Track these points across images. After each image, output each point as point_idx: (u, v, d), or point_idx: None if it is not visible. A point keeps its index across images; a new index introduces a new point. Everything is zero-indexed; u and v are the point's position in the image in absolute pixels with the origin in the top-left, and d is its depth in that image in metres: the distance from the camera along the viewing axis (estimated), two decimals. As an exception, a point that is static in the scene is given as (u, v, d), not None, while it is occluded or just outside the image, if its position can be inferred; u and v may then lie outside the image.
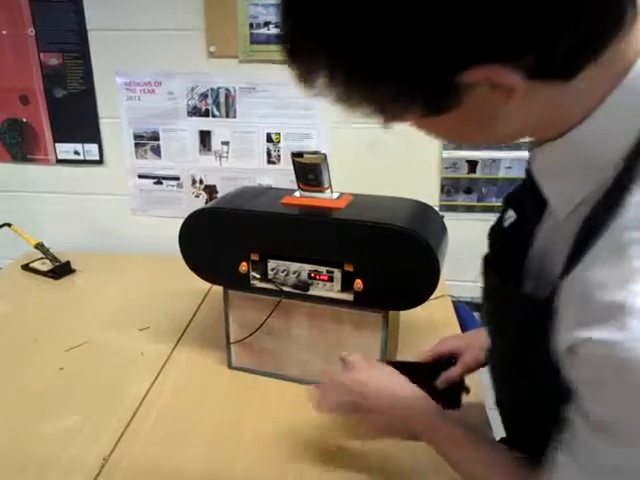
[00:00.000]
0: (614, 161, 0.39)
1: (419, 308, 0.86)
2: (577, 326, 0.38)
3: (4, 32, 1.39)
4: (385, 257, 0.83)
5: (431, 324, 1.14)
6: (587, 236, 0.40)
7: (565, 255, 0.43)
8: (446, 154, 1.38)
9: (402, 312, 1.04)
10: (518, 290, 0.51)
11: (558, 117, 0.41)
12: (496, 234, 0.59)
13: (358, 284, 0.85)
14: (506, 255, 0.55)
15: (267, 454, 0.82)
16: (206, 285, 1.29)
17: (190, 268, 0.97)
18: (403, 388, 0.69)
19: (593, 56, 0.36)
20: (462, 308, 1.28)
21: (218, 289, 1.00)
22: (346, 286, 0.87)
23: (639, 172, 0.38)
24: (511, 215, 0.56)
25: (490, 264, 0.56)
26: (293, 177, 0.92)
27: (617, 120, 0.39)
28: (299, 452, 0.83)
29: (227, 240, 0.91)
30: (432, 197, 1.42)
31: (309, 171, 0.88)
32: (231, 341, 1.00)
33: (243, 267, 0.91)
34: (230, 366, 1.02)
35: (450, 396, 0.80)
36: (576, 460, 0.43)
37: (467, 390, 0.83)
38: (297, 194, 0.93)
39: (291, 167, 0.89)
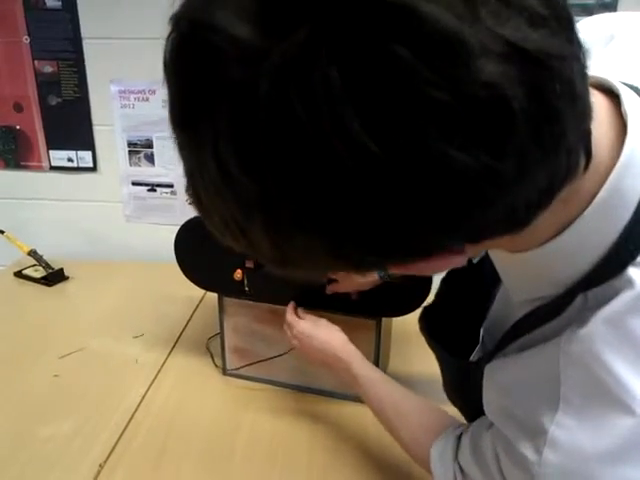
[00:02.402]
0: (560, 282, 0.39)
1: (411, 317, 0.87)
2: (504, 415, 0.43)
3: (-2, 40, 1.39)
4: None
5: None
6: (523, 329, 0.43)
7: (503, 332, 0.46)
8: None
9: (395, 320, 1.06)
10: (446, 353, 0.57)
11: (517, 245, 0.39)
12: (459, 273, 0.60)
13: (354, 291, 0.87)
14: (467, 299, 0.59)
15: (262, 460, 0.83)
16: (200, 292, 1.30)
17: (185, 275, 0.98)
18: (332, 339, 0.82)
19: (542, 209, 0.31)
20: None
21: (212, 296, 1.01)
22: (341, 293, 0.88)
23: (576, 300, 0.38)
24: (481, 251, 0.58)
25: (425, 320, 0.63)
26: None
27: (570, 252, 0.37)
28: (294, 457, 0.84)
29: (222, 248, 0.92)
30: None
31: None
32: (228, 367, 1.01)
33: (238, 274, 0.92)
34: (225, 372, 1.03)
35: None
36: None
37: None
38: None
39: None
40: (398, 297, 0.86)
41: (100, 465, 0.81)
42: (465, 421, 0.61)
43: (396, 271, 0.34)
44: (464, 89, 0.22)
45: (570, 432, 0.37)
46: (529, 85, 0.23)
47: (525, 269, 0.41)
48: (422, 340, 1.04)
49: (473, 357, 0.56)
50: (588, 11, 1.26)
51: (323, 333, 0.82)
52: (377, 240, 0.27)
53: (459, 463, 0.54)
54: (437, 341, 0.59)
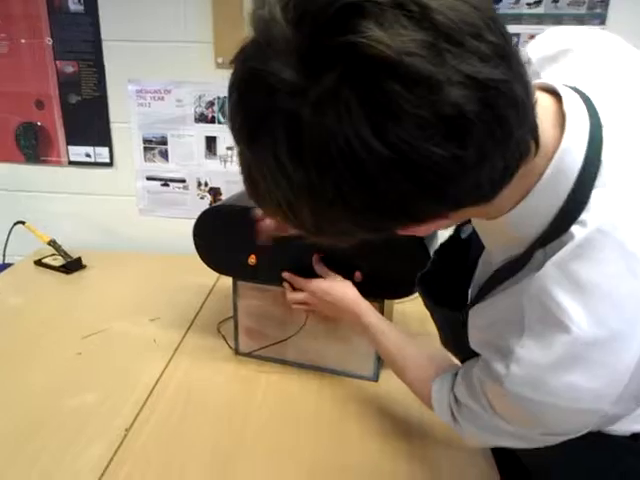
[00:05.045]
0: (525, 242, 0.50)
1: (411, 302, 0.96)
2: (483, 343, 0.56)
3: (23, 41, 1.47)
4: (381, 250, 0.92)
5: (421, 316, 1.22)
6: (496, 281, 0.55)
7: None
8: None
9: (396, 306, 1.14)
10: (443, 308, 0.70)
11: (490, 213, 0.50)
12: (450, 246, 0.74)
13: (357, 275, 0.95)
14: (457, 267, 0.70)
15: (273, 429, 0.91)
16: (211, 280, 1.38)
17: (203, 260, 1.05)
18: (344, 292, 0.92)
19: (505, 184, 0.42)
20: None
21: (222, 284, 1.08)
22: (346, 277, 0.96)
23: (536, 255, 0.50)
24: (468, 228, 0.71)
25: (423, 282, 0.75)
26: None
27: (528, 216, 0.48)
28: (301, 428, 0.92)
29: (238, 235, 1.00)
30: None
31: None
32: (241, 348, 1.09)
33: (252, 259, 1.00)
34: (237, 352, 1.11)
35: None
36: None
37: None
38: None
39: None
40: (399, 280, 0.93)
41: (126, 430, 0.88)
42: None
43: (403, 233, 0.43)
44: (437, 107, 0.34)
45: (529, 350, 0.48)
46: (482, 101, 0.35)
47: (498, 233, 0.53)
48: (419, 323, 1.13)
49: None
50: (579, 20, 1.35)
51: (338, 288, 0.92)
52: (386, 210, 0.39)
53: (454, 394, 0.64)
54: (434, 301, 0.71)
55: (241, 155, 0.41)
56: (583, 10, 1.34)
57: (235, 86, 0.38)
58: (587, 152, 0.45)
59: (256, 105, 0.37)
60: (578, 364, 0.45)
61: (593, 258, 0.45)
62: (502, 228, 0.50)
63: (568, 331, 0.45)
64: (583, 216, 0.45)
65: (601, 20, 1.34)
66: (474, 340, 0.59)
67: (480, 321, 0.57)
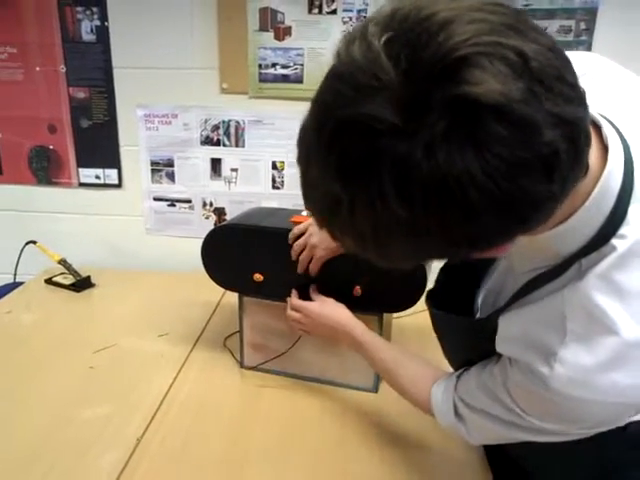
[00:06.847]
0: (562, 256, 0.54)
1: (410, 317, 1.00)
2: (522, 348, 0.58)
3: (37, 68, 1.54)
4: (380, 267, 0.97)
5: (419, 331, 1.27)
6: (530, 289, 0.59)
7: (511, 294, 0.62)
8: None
9: (395, 321, 1.18)
10: (461, 316, 0.72)
11: (537, 231, 0.52)
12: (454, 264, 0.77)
13: (357, 290, 1.00)
14: (462, 281, 0.73)
15: (276, 440, 0.95)
16: (216, 297, 1.43)
17: (210, 277, 1.10)
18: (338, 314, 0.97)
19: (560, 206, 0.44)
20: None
21: (227, 301, 1.13)
22: (346, 292, 1.01)
23: (573, 266, 0.54)
24: None
25: (431, 298, 0.79)
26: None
27: (572, 232, 0.52)
28: (304, 439, 0.96)
29: (244, 252, 1.05)
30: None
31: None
32: (246, 362, 1.13)
33: (258, 276, 1.05)
34: (242, 365, 1.15)
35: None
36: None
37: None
38: (304, 213, 1.08)
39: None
40: (397, 295, 0.98)
41: (137, 439, 0.93)
42: None
43: (474, 256, 0.47)
44: (537, 148, 0.36)
45: (574, 352, 0.52)
46: (569, 139, 0.38)
47: (535, 246, 0.56)
48: (418, 337, 1.18)
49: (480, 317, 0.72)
50: (567, 46, 1.42)
51: (331, 310, 0.97)
52: (479, 241, 0.41)
53: (459, 395, 0.69)
54: (446, 311, 0.74)
55: (328, 190, 0.40)
56: (570, 37, 1.41)
57: (323, 125, 0.39)
58: (624, 171, 0.50)
59: (355, 146, 0.38)
60: (623, 363, 0.50)
61: (632, 266, 0.50)
62: (542, 243, 0.54)
63: (614, 334, 0.50)
64: (623, 230, 0.50)
65: (586, 47, 1.41)
66: (508, 344, 0.61)
67: (515, 327, 0.60)
